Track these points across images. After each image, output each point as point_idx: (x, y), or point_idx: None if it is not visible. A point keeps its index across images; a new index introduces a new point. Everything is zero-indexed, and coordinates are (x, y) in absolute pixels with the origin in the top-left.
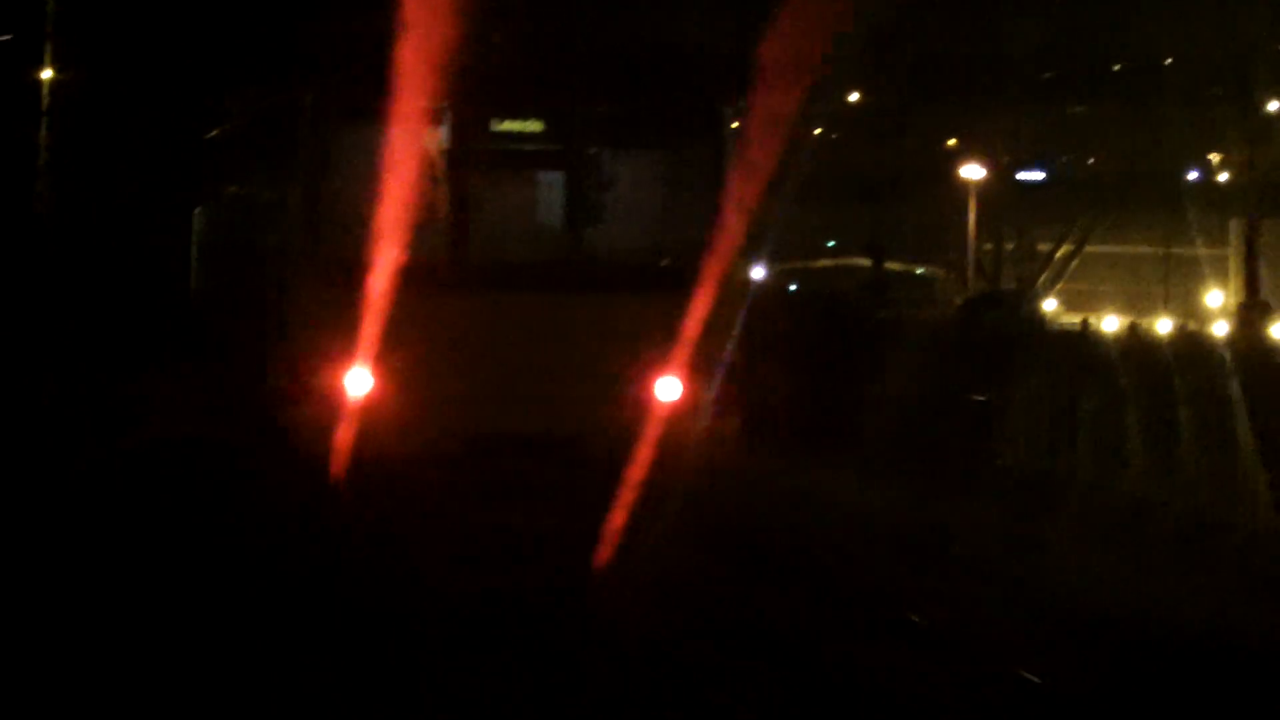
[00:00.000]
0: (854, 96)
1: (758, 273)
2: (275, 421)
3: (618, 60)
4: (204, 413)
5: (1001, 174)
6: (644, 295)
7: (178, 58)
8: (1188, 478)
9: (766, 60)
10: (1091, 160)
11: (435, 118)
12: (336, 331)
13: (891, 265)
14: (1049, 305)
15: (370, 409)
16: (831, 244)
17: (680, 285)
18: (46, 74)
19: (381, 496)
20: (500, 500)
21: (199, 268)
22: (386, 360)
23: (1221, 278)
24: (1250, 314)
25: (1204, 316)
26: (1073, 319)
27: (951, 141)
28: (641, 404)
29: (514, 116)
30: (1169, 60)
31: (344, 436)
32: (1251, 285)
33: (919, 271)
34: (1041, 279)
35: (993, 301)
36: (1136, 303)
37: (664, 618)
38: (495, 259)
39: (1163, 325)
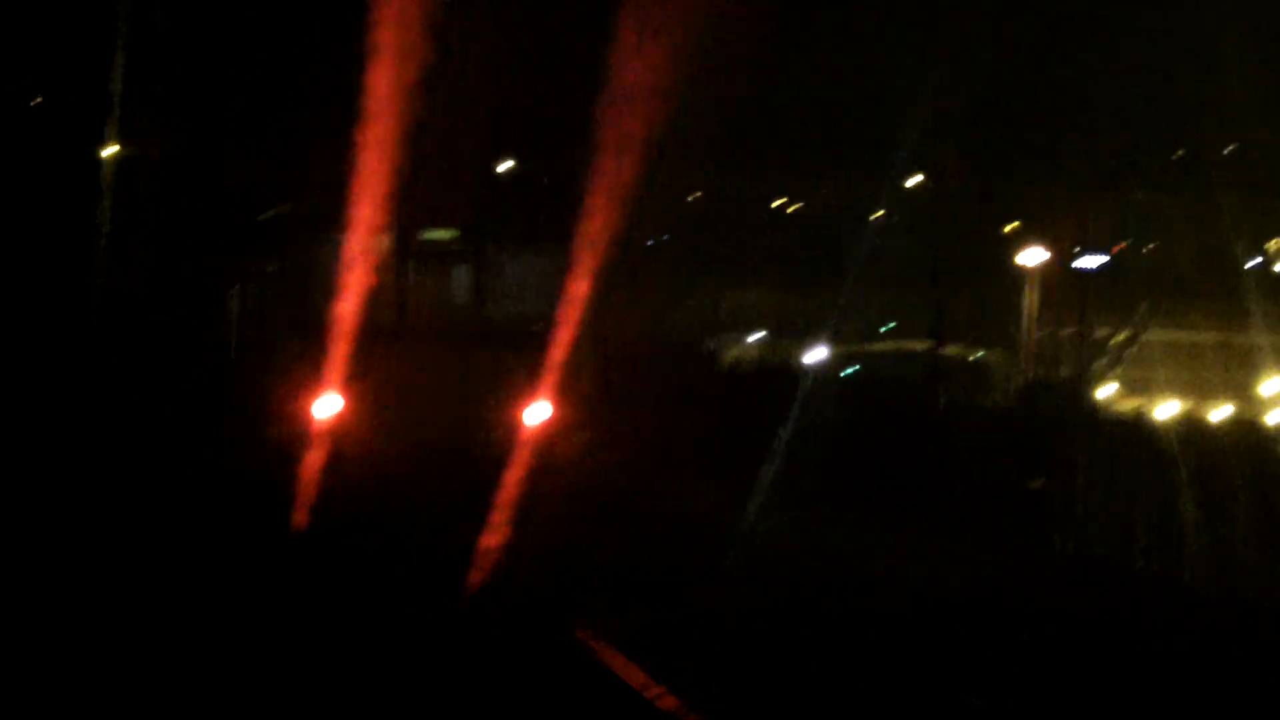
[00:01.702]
0: (914, 180)
1: (817, 354)
2: (275, 433)
3: (503, 192)
4: (237, 435)
5: (1061, 259)
6: (522, 349)
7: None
8: (1246, 566)
9: (593, 189)
10: (1151, 246)
11: (384, 229)
12: (316, 371)
13: (950, 349)
14: (1107, 391)
15: (337, 423)
16: (887, 328)
17: (547, 343)
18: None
19: (343, 483)
20: (423, 485)
21: (236, 331)
22: (349, 389)
23: None
24: None
25: (1261, 405)
26: (1131, 404)
27: (1011, 226)
28: (521, 421)
29: (436, 228)
30: (1230, 148)
31: (318, 445)
32: None
33: (977, 356)
34: (1099, 365)
35: (1050, 387)
36: (1195, 389)
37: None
38: (423, 323)
39: (1220, 413)
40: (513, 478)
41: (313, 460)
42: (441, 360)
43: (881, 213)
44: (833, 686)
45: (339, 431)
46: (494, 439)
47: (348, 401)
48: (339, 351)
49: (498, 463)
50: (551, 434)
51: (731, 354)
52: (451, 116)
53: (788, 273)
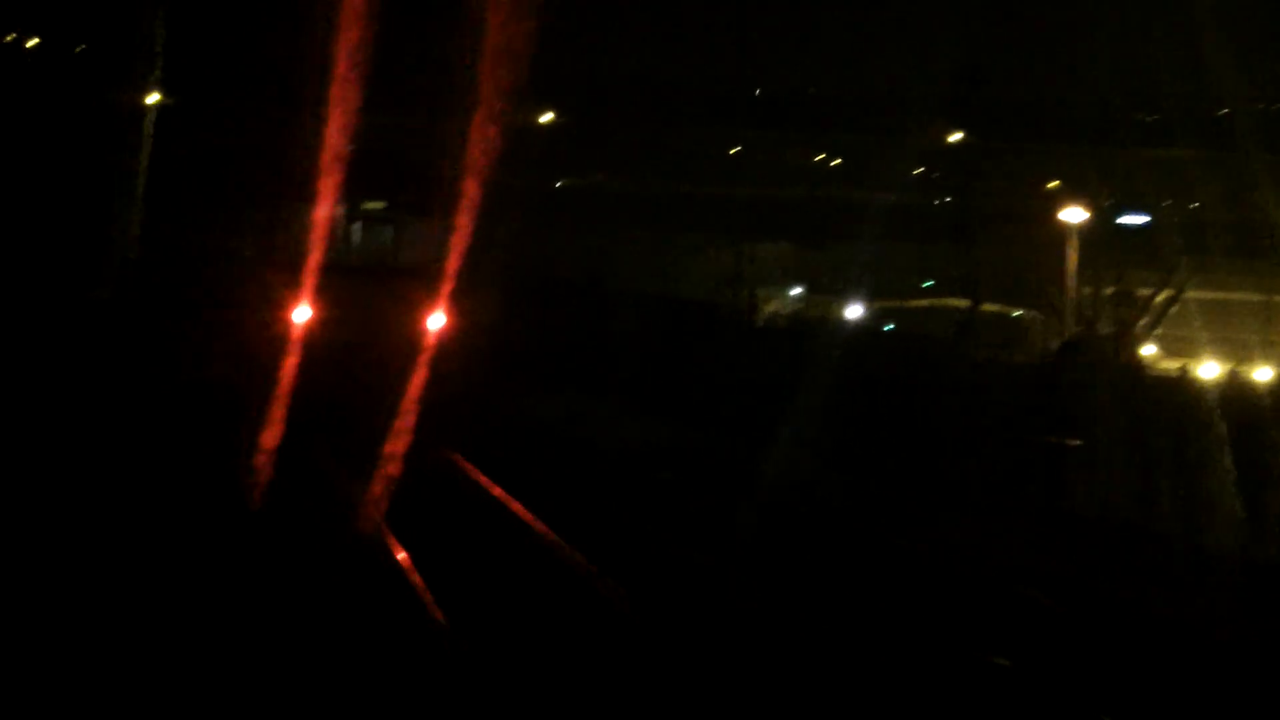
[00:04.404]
0: (956, 136)
1: (854, 311)
2: (268, 330)
3: (411, 177)
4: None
5: (1102, 217)
6: (424, 278)
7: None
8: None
9: (461, 173)
10: (1194, 205)
11: (337, 201)
12: (293, 291)
13: (988, 307)
14: (1147, 350)
15: (308, 324)
16: (927, 284)
17: (440, 274)
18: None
19: (312, 364)
20: (358, 366)
21: (248, 266)
22: (315, 303)
23: None
24: None
25: None
26: (1170, 365)
27: (1053, 183)
28: (423, 326)
29: (371, 200)
30: (1275, 104)
31: (297, 336)
32: None
33: (1015, 314)
34: (1140, 324)
35: (1089, 345)
36: (1236, 350)
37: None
38: (362, 262)
39: (1262, 374)
40: (418, 363)
41: (292, 349)
42: (373, 286)
43: (921, 169)
44: None
45: (309, 331)
46: (405, 336)
47: (315, 311)
48: (308, 281)
49: (408, 352)
50: (444, 336)
51: (769, 307)
52: (386, 124)
53: (821, 229)
